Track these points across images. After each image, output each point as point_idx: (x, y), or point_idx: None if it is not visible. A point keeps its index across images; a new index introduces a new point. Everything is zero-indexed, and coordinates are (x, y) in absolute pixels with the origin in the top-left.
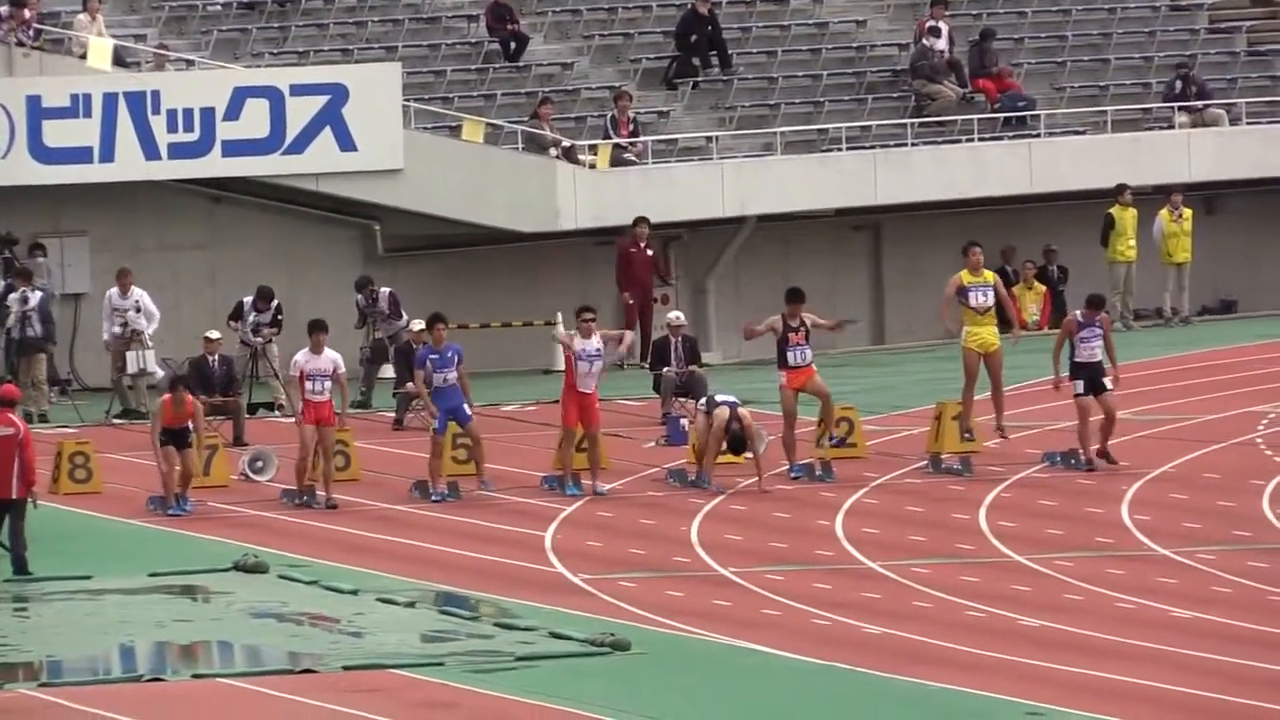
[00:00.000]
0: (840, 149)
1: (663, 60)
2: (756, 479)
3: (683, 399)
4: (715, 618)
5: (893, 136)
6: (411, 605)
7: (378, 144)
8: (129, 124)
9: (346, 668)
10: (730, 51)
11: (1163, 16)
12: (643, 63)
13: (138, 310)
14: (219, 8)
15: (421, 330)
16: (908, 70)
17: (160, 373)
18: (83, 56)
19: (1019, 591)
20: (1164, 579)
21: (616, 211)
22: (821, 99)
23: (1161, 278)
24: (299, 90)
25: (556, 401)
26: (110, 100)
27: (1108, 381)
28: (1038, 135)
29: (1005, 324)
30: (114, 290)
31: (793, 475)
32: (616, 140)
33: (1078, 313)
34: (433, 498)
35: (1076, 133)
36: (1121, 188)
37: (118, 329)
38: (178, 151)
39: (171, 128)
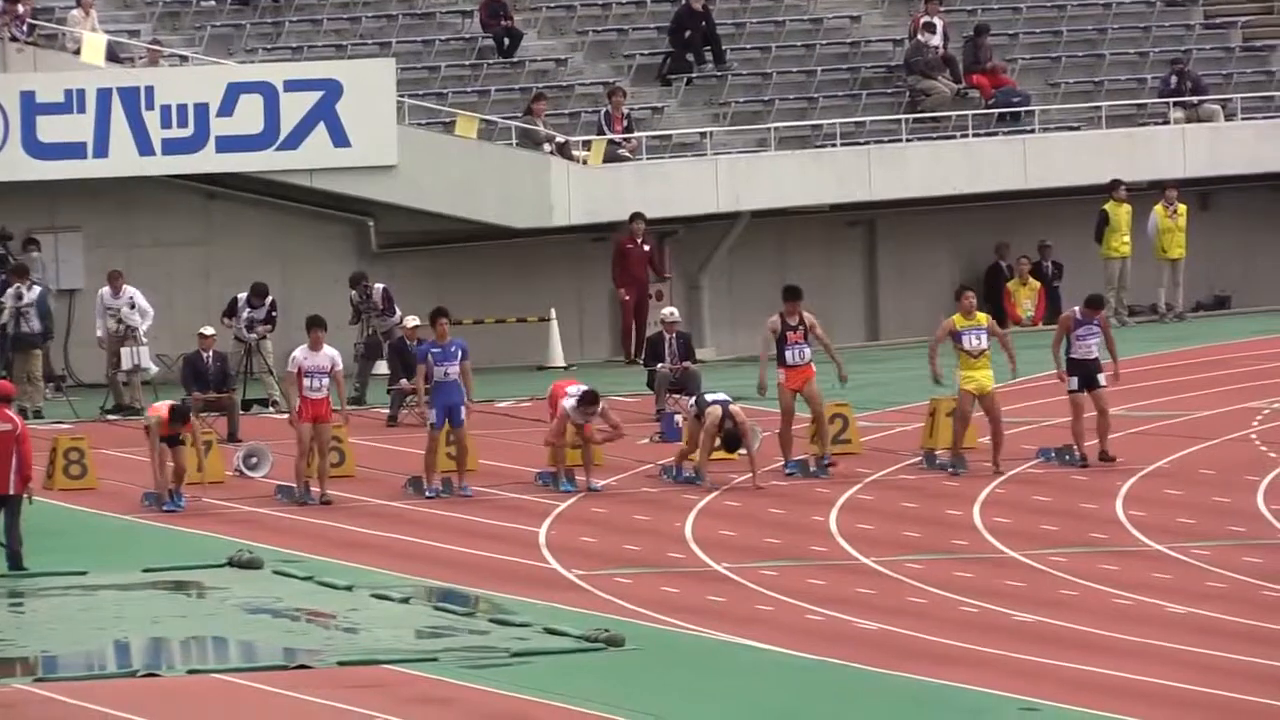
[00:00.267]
0: (835, 145)
1: (657, 56)
2: (751, 475)
3: (677, 395)
4: (709, 613)
5: (887, 132)
6: (406, 601)
7: (372, 140)
8: (123, 120)
9: (341, 663)
10: (724, 47)
11: (1158, 12)
12: (637, 58)
13: (131, 306)
14: (213, 3)
15: (416, 326)
16: (902, 66)
17: (155, 369)
18: (77, 52)
19: (1013, 587)
20: (1158, 574)
21: (610, 207)
22: (816, 95)
23: (1156, 273)
24: (293, 86)
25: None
26: (104, 96)
27: (1102, 378)
28: (1032, 131)
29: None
30: (106, 289)
31: (787, 471)
32: (611, 136)
33: (1076, 309)
34: (427, 494)
35: (1071, 128)
36: (1116, 183)
37: (112, 325)
38: (172, 147)
39: (165, 123)
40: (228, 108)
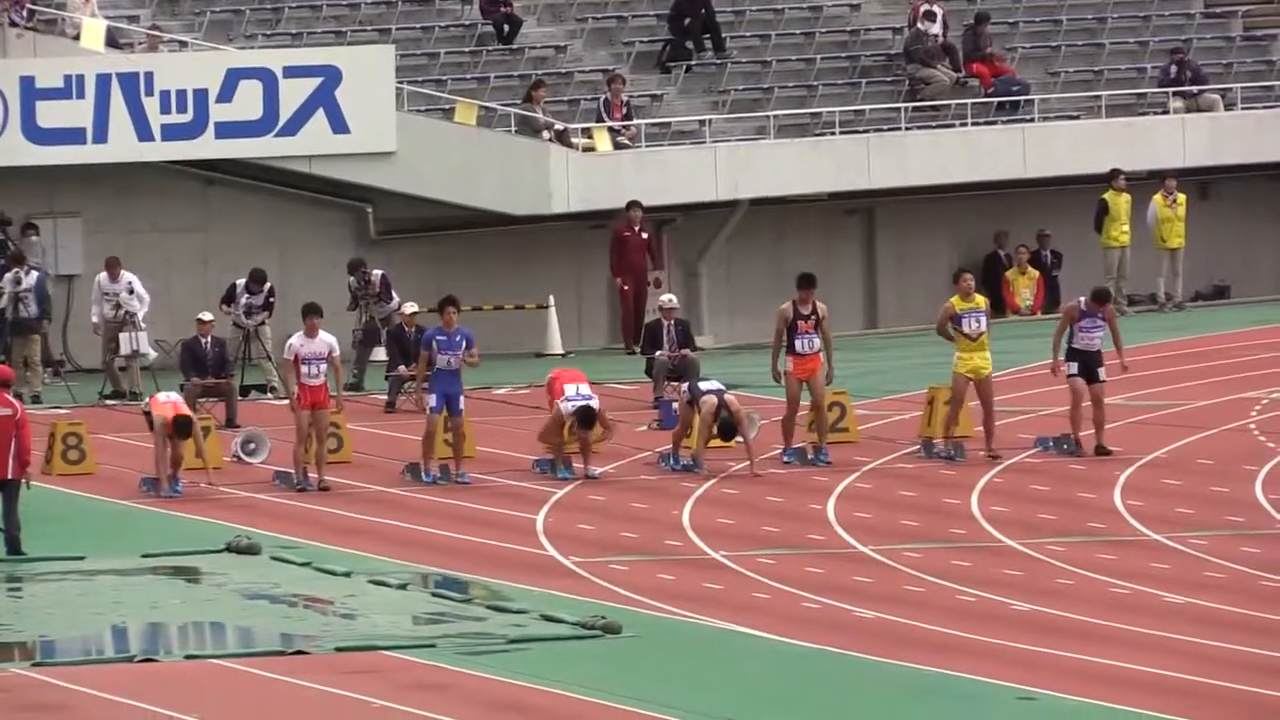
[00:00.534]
0: (834, 133)
1: (656, 43)
2: (748, 463)
3: (675, 383)
4: (707, 601)
5: (886, 121)
6: (404, 587)
7: (370, 126)
8: (122, 105)
9: (339, 649)
10: (724, 35)
11: (1158, 1)
12: (636, 46)
13: (130, 292)
14: None
15: (414, 313)
16: (902, 54)
17: (153, 354)
18: (76, 37)
19: (1011, 576)
20: (1156, 564)
21: (609, 195)
22: (815, 83)
23: (1155, 263)
24: (292, 72)
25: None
26: (103, 81)
27: (1102, 372)
28: (1032, 120)
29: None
30: (103, 275)
31: (785, 459)
32: (610, 124)
33: (1082, 300)
34: (425, 480)
35: (1071, 117)
36: (1116, 173)
37: (109, 311)
38: (171, 133)
39: (165, 109)
40: (227, 94)
